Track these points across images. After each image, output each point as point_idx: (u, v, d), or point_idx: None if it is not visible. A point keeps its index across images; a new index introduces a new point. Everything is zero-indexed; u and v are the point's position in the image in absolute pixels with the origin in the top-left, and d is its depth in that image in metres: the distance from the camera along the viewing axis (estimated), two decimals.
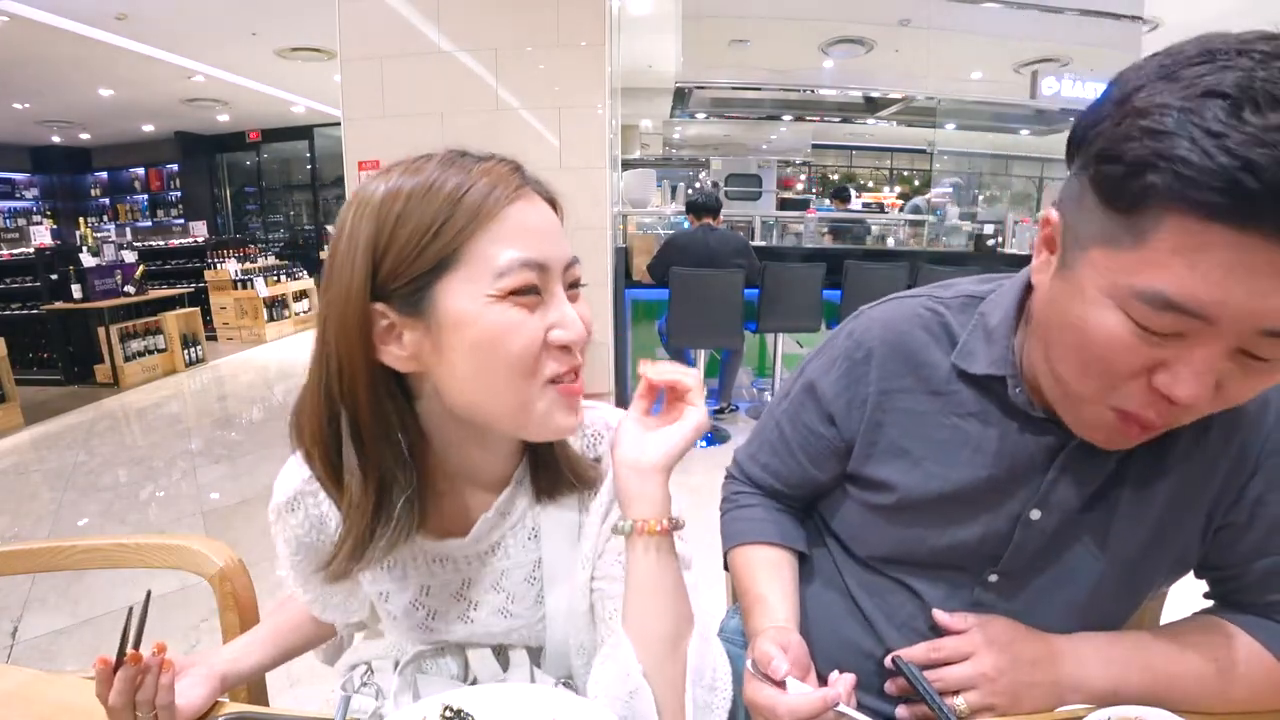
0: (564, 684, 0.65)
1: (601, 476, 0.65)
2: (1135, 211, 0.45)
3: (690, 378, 0.59)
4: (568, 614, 0.65)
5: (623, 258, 3.71)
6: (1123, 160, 0.45)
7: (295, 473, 0.63)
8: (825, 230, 6.29)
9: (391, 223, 0.51)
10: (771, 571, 0.76)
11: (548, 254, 0.53)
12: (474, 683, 0.67)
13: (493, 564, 0.66)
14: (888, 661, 0.68)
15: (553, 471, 0.64)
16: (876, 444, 0.70)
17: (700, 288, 3.39)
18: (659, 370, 0.59)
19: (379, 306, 0.52)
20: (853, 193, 6.98)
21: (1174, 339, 0.47)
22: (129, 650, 0.57)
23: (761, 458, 0.82)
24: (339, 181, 8.04)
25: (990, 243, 5.11)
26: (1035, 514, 0.64)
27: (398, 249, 0.51)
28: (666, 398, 0.61)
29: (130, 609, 0.60)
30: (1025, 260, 0.62)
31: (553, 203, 0.58)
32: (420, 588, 0.66)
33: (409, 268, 0.51)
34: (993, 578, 0.68)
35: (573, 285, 0.57)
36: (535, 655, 0.67)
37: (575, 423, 0.57)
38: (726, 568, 0.83)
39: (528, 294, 0.52)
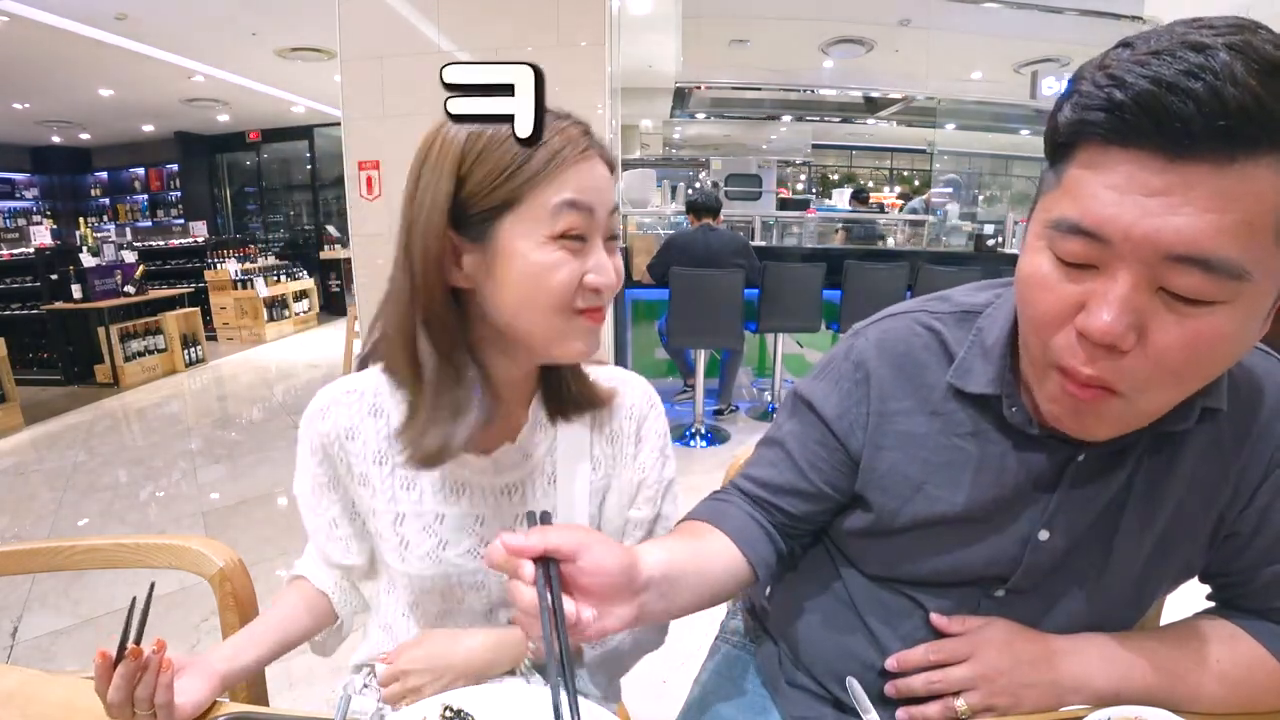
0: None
1: (610, 399, 0.75)
2: (1059, 156, 0.50)
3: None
4: None
5: (622, 258, 3.71)
6: (1053, 114, 0.50)
7: (335, 386, 0.72)
8: (838, 228, 6.31)
9: (471, 161, 0.60)
10: (677, 533, 0.72)
11: (594, 201, 0.62)
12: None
13: (509, 507, 0.72)
14: (888, 663, 0.67)
15: (561, 388, 0.73)
16: (876, 469, 0.67)
17: (700, 288, 3.38)
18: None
19: (450, 233, 0.61)
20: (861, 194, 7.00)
21: (1090, 272, 0.48)
22: (130, 645, 0.57)
23: (755, 472, 0.74)
24: (339, 181, 8.02)
25: (990, 243, 5.12)
26: (1044, 535, 0.62)
27: (473, 185, 0.60)
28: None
29: (134, 599, 0.60)
30: None
31: (612, 165, 0.65)
32: (435, 515, 0.71)
33: (480, 203, 0.60)
34: (1000, 593, 0.66)
35: (611, 238, 0.65)
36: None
37: (590, 350, 0.66)
38: None
39: (574, 240, 0.60)
